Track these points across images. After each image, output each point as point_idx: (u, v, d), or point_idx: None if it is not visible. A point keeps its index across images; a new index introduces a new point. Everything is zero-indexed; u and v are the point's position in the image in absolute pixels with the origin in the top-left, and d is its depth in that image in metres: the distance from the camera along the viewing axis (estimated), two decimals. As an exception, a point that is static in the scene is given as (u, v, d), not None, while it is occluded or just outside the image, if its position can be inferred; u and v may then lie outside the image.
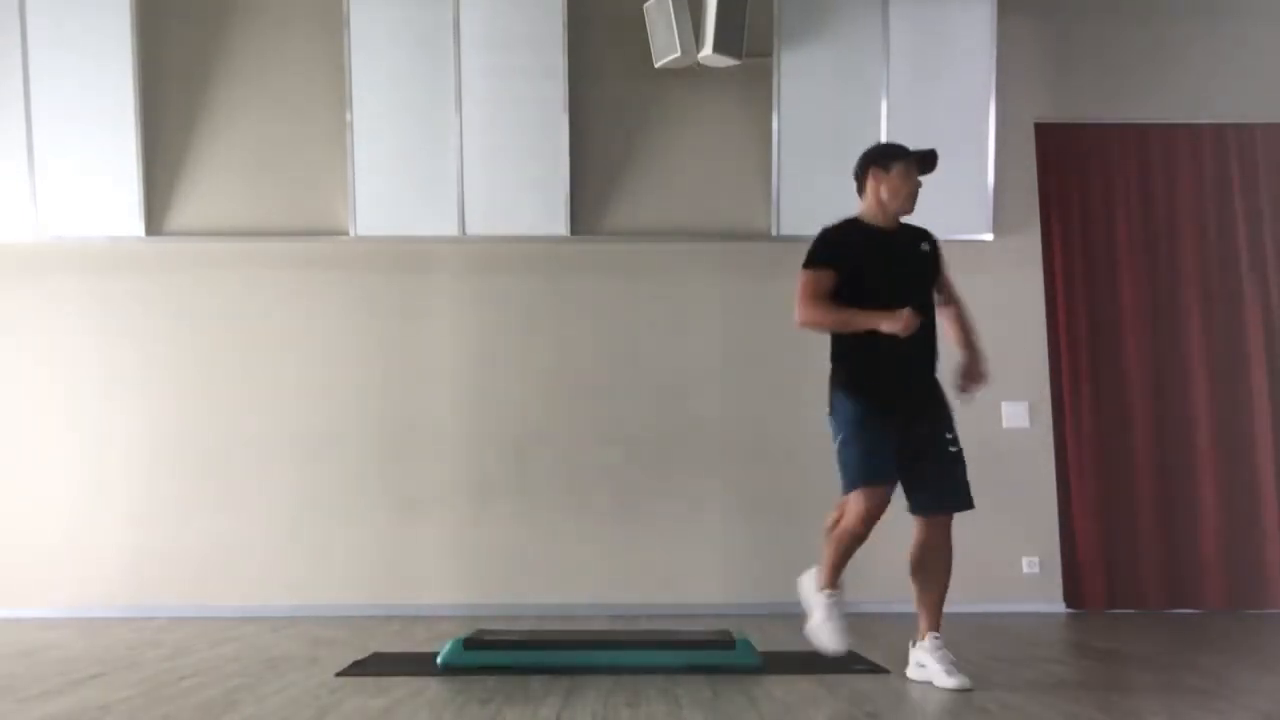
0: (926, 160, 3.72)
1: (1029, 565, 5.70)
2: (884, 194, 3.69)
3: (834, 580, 3.68)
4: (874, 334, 3.50)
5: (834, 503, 3.72)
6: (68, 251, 5.79)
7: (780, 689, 3.23)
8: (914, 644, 3.53)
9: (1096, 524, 5.69)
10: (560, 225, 5.76)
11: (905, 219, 3.75)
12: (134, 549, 5.60)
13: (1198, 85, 5.98)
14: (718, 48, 5.53)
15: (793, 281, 5.89)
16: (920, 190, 3.71)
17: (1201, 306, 5.83)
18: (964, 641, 4.38)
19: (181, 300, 5.78)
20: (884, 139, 5.81)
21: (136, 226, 5.74)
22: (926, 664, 3.41)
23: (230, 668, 3.74)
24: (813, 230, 5.76)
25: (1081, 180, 5.93)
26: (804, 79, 5.81)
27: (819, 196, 5.82)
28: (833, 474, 5.75)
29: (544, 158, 5.75)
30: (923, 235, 3.77)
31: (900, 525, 5.81)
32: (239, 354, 5.75)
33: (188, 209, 5.82)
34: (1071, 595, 5.68)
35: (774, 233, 5.83)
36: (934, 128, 5.82)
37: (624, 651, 3.70)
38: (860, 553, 5.85)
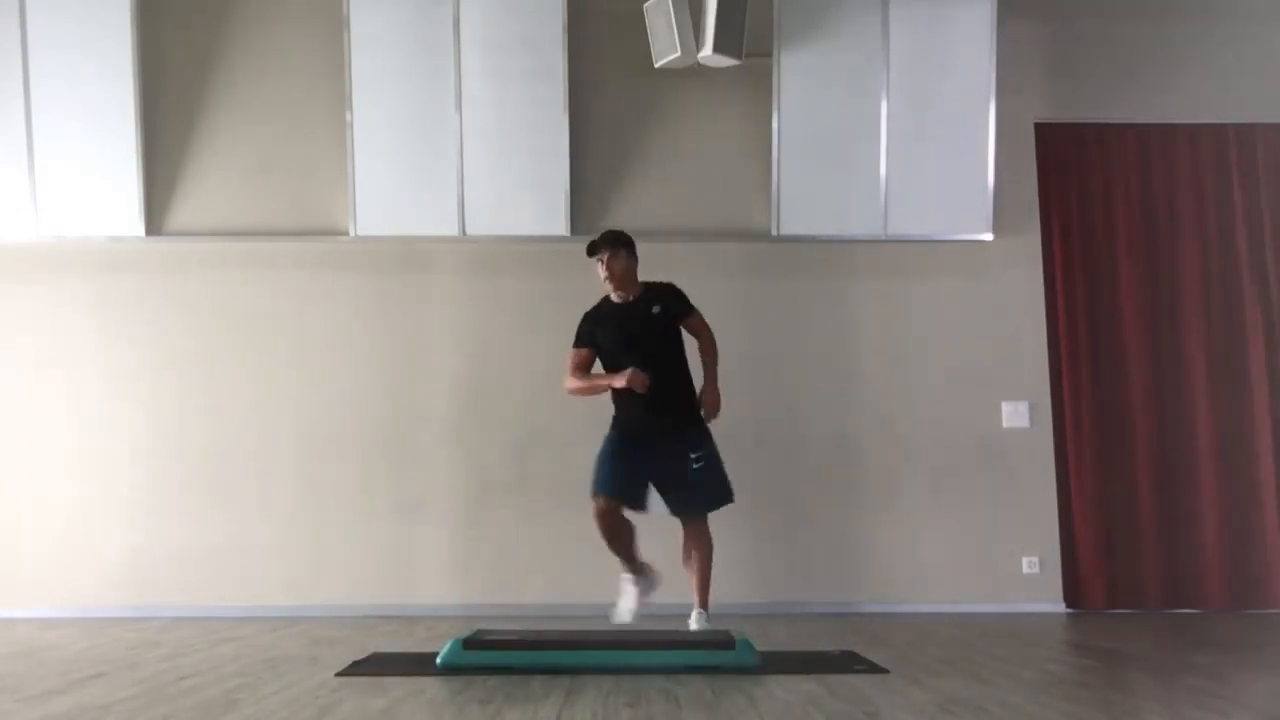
0: (617, 240, 4.56)
1: (1029, 565, 5.71)
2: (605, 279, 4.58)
3: (629, 568, 4.59)
4: (619, 391, 4.45)
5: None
6: (68, 251, 5.80)
7: (780, 689, 3.22)
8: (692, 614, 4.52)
9: (1096, 524, 5.70)
10: (560, 225, 5.76)
11: (658, 280, 4.62)
12: (134, 549, 5.61)
13: (1198, 85, 5.98)
14: (718, 48, 5.53)
15: (794, 281, 5.94)
16: (613, 265, 4.51)
17: (1202, 306, 5.83)
18: (964, 641, 4.38)
19: (181, 300, 5.79)
20: (884, 139, 5.83)
21: (136, 226, 5.75)
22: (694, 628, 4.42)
23: (230, 668, 3.73)
24: (813, 230, 5.85)
25: (1081, 180, 5.94)
26: (804, 79, 5.82)
27: (819, 196, 5.85)
28: (832, 474, 5.79)
29: (544, 158, 5.76)
30: (658, 297, 4.56)
31: (898, 533, 5.82)
32: (239, 354, 5.76)
33: (188, 209, 5.83)
34: (1071, 595, 5.68)
35: (774, 233, 5.83)
36: (934, 128, 5.85)
37: (624, 651, 3.69)
38: (860, 556, 5.85)
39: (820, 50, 5.83)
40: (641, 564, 4.59)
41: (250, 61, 5.87)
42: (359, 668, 3.70)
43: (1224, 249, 5.88)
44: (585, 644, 3.82)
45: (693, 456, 4.47)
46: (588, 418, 5.75)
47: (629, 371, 4.36)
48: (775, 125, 5.80)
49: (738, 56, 5.60)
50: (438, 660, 3.62)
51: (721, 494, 4.56)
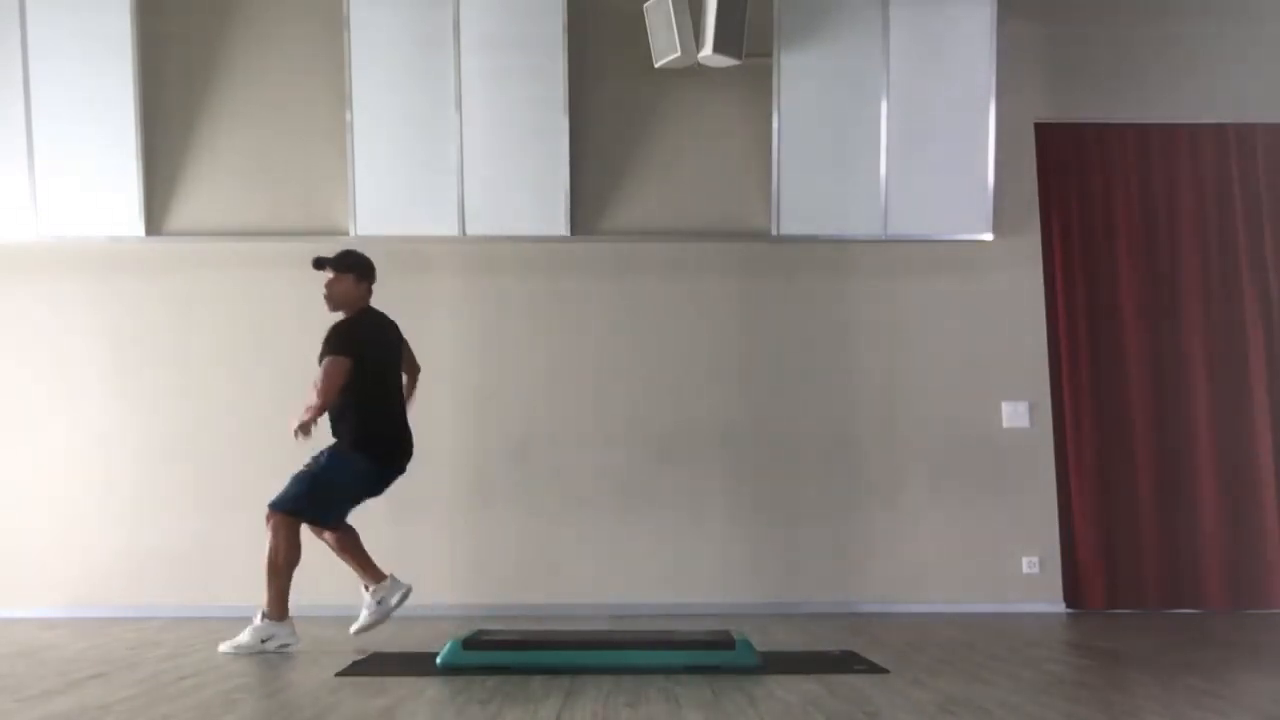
0: (337, 263, 4.40)
1: (1029, 565, 5.71)
2: None
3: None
4: None
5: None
6: (68, 251, 5.80)
7: (780, 689, 3.22)
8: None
9: (1096, 524, 5.70)
10: (560, 225, 5.76)
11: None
12: (134, 549, 5.61)
13: (1198, 85, 5.98)
14: (718, 48, 5.53)
15: (794, 281, 5.93)
16: (329, 284, 4.39)
17: (1202, 306, 5.83)
18: (964, 641, 4.38)
19: (181, 300, 5.79)
20: (884, 139, 5.83)
21: (136, 226, 5.75)
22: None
23: (230, 668, 3.74)
24: (813, 230, 5.85)
25: (1081, 180, 5.94)
26: (804, 79, 5.82)
27: (819, 196, 5.85)
28: (832, 474, 5.79)
29: (544, 158, 5.76)
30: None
31: (898, 533, 5.82)
32: (239, 354, 5.76)
33: (187, 209, 5.83)
34: (1071, 595, 5.68)
35: (774, 233, 5.83)
36: (934, 128, 5.85)
37: (624, 651, 3.69)
38: (860, 556, 5.86)
39: (820, 50, 5.83)
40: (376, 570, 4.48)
41: (250, 62, 5.87)
42: (359, 668, 3.70)
43: (1224, 249, 5.88)
44: (585, 644, 3.82)
45: (311, 459, 4.34)
46: (588, 418, 5.78)
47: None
48: (775, 125, 5.80)
49: (738, 56, 5.60)
50: (438, 660, 3.62)
51: (286, 497, 4.29)
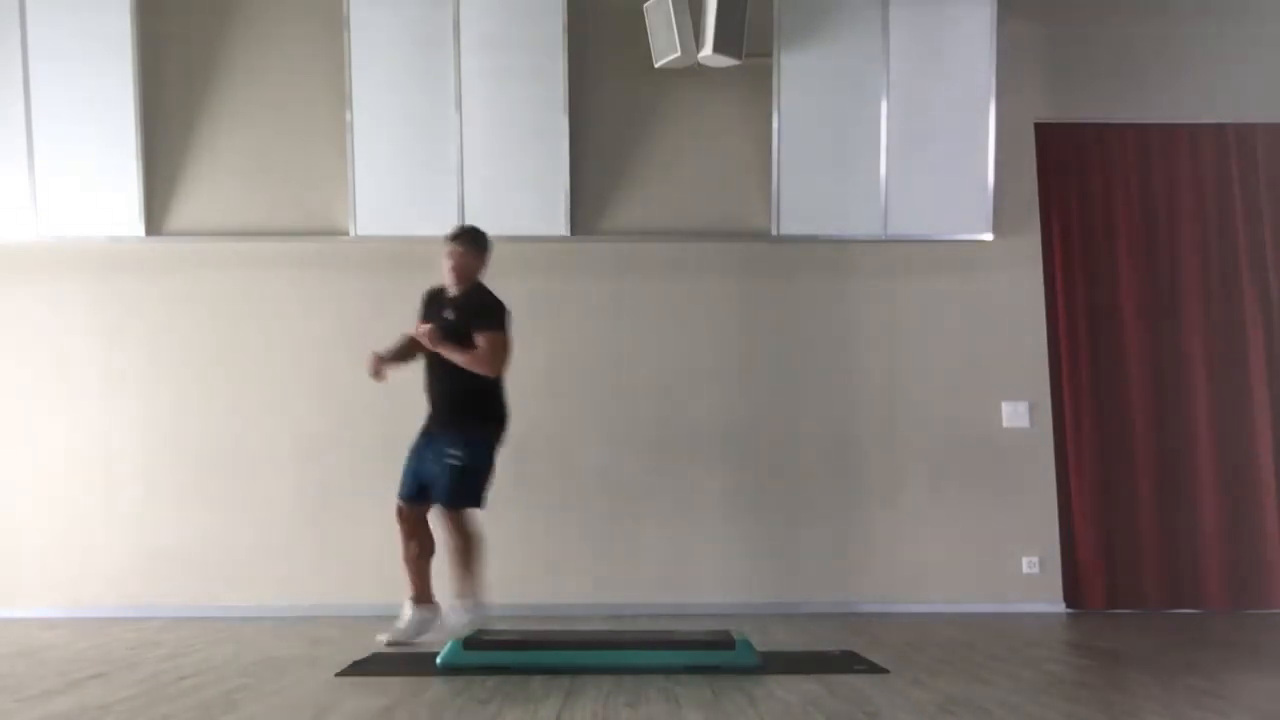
0: (470, 238, 4.63)
1: (1029, 565, 5.71)
2: None
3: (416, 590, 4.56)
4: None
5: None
6: (68, 251, 5.80)
7: (780, 689, 3.23)
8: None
9: (1096, 524, 5.70)
10: (560, 225, 5.76)
11: (484, 282, 4.62)
12: (134, 549, 5.61)
13: (1198, 85, 5.98)
14: (718, 48, 5.53)
15: (794, 281, 5.93)
16: (453, 258, 4.57)
17: (1202, 306, 5.83)
18: (964, 641, 4.38)
19: (181, 300, 5.78)
20: (884, 139, 5.83)
21: (136, 226, 5.75)
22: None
23: (230, 668, 3.74)
24: (813, 230, 5.85)
25: (1081, 180, 5.93)
26: (804, 79, 5.82)
27: (819, 196, 5.85)
28: (832, 474, 5.79)
29: (544, 158, 5.76)
30: (463, 302, 4.53)
31: (898, 533, 5.82)
32: (239, 354, 5.76)
33: (188, 209, 5.82)
34: (1071, 595, 5.68)
35: (774, 233, 5.83)
36: (934, 128, 5.85)
37: (624, 651, 3.70)
38: (860, 556, 5.84)
39: (820, 50, 5.83)
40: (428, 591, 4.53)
41: (250, 62, 5.87)
42: (359, 668, 3.70)
43: (1224, 249, 5.88)
44: (585, 644, 3.83)
45: (448, 453, 4.42)
46: (588, 418, 5.78)
47: (423, 328, 4.47)
48: (775, 125, 5.80)
49: (738, 56, 5.60)
50: (438, 660, 3.62)
51: (458, 497, 4.39)
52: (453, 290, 4.58)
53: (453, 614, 4.37)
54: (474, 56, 5.74)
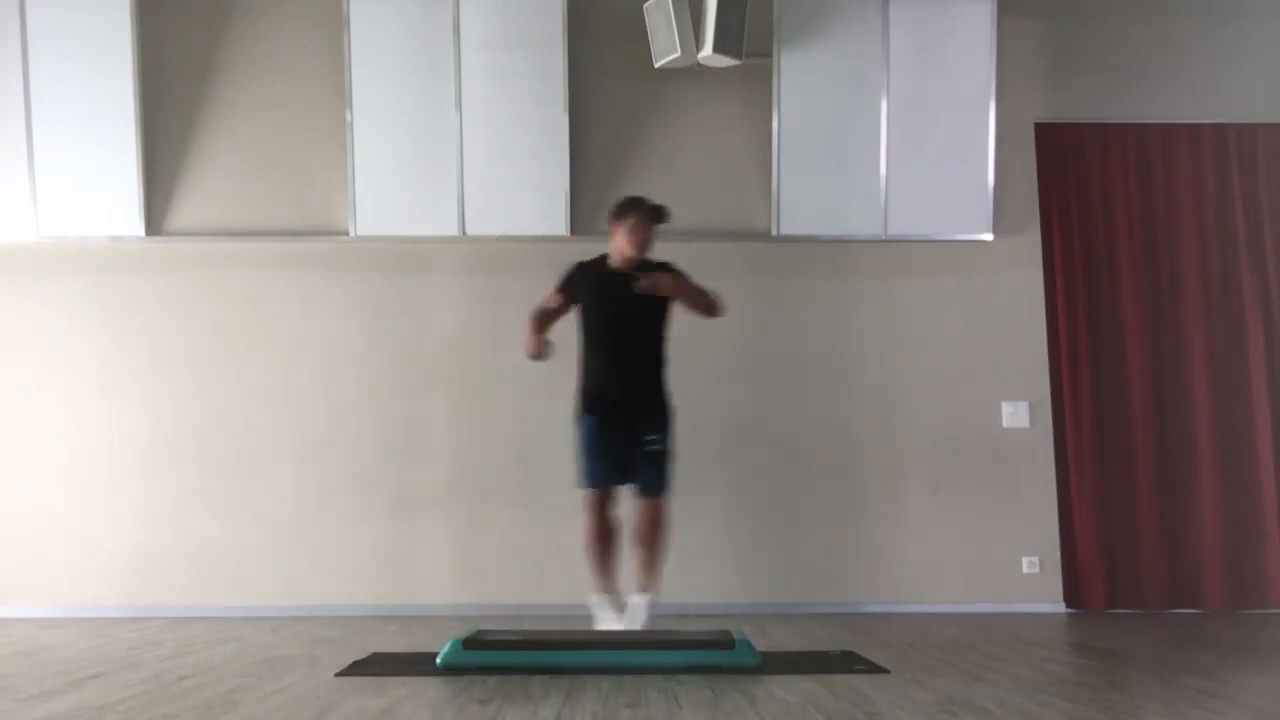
0: (658, 214, 4.64)
1: (1029, 565, 5.71)
2: (617, 242, 4.65)
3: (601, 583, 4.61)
4: (589, 354, 4.62)
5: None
6: (68, 251, 5.80)
7: (780, 689, 3.23)
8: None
9: (1096, 524, 5.70)
10: (560, 225, 5.76)
11: (653, 257, 4.65)
12: (134, 549, 5.61)
13: (1198, 85, 5.98)
14: (718, 48, 5.53)
15: (794, 281, 5.93)
16: (639, 231, 4.61)
17: (1202, 306, 5.83)
18: (964, 641, 4.38)
19: (181, 300, 5.78)
20: (884, 139, 5.83)
21: (136, 226, 5.75)
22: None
23: (230, 668, 3.74)
24: (813, 230, 5.85)
25: (1081, 180, 5.94)
26: (804, 79, 5.82)
27: (819, 196, 5.85)
28: (832, 474, 5.79)
29: (544, 158, 5.76)
30: (645, 271, 4.53)
31: (898, 533, 5.82)
32: (239, 354, 5.76)
33: (187, 209, 5.83)
34: (1071, 595, 5.68)
35: (774, 233, 5.83)
36: (934, 128, 5.85)
37: (624, 651, 3.70)
38: (860, 556, 5.83)
39: (820, 50, 5.83)
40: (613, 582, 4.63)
41: (250, 61, 5.87)
42: (359, 668, 3.70)
43: (1224, 249, 5.88)
44: (585, 644, 3.82)
45: (648, 439, 4.55)
46: (588, 418, 5.78)
47: (527, 340, 4.53)
48: (775, 125, 5.80)
49: (738, 56, 5.60)
50: (438, 660, 3.62)
51: (668, 484, 4.61)
52: (620, 264, 4.62)
53: (644, 606, 4.49)
54: (474, 55, 5.75)
